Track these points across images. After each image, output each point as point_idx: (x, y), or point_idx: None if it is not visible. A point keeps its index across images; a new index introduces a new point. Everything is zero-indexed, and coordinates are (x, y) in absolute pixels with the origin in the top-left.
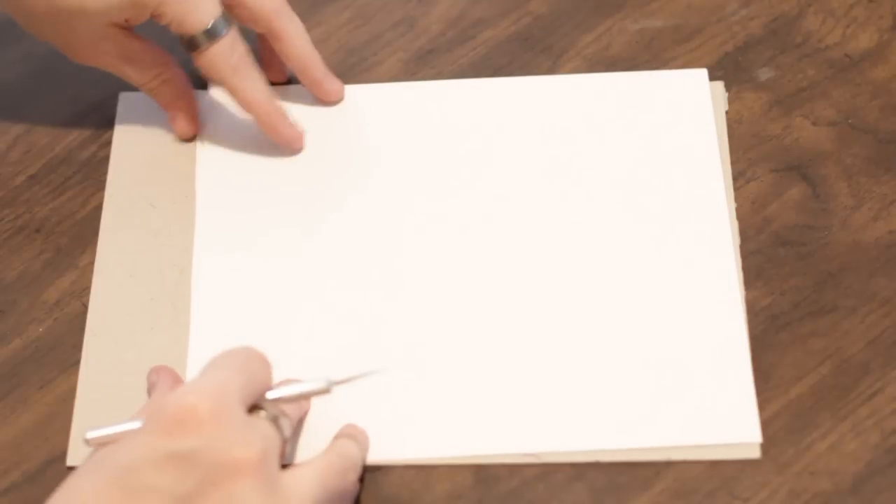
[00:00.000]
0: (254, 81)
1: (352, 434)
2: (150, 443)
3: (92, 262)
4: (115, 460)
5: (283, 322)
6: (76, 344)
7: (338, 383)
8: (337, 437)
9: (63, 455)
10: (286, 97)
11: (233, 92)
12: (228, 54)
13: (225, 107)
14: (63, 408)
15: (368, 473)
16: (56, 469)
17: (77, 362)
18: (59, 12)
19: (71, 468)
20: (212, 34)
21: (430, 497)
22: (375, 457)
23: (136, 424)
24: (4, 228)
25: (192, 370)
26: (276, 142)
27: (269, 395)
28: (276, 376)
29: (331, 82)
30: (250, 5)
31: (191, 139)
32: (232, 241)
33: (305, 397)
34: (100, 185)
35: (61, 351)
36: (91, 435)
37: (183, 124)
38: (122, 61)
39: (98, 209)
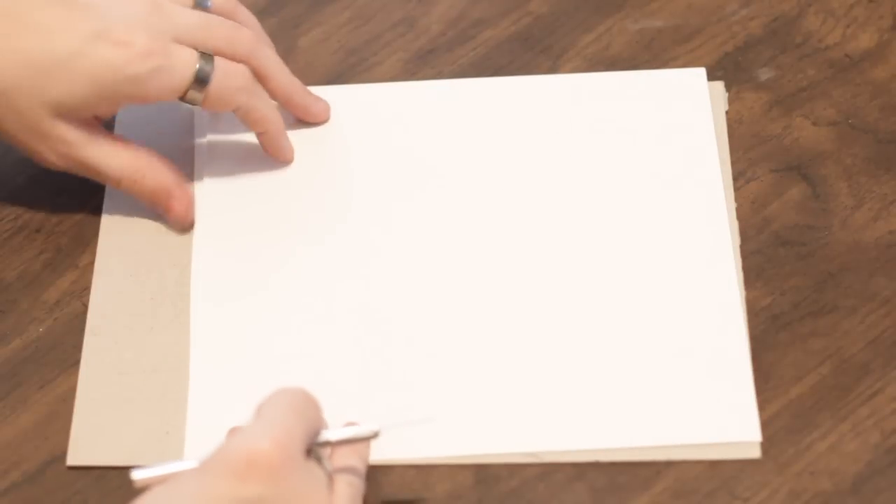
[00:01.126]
0: (261, 98)
1: (355, 452)
2: (216, 486)
3: (92, 262)
4: (176, 502)
5: (283, 322)
6: (76, 344)
7: (387, 428)
8: (340, 468)
9: (63, 455)
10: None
11: (246, 113)
12: (229, 82)
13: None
14: (63, 408)
15: (369, 473)
16: (56, 469)
17: (77, 362)
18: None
19: (72, 468)
20: (202, 79)
21: (431, 497)
22: (376, 457)
23: (188, 465)
24: (5, 228)
25: (192, 370)
26: (274, 156)
27: (322, 436)
28: (280, 375)
29: (315, 104)
30: (225, 51)
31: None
32: (232, 241)
33: (354, 441)
34: (100, 185)
35: (61, 351)
36: (138, 476)
37: (177, 214)
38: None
39: (98, 209)
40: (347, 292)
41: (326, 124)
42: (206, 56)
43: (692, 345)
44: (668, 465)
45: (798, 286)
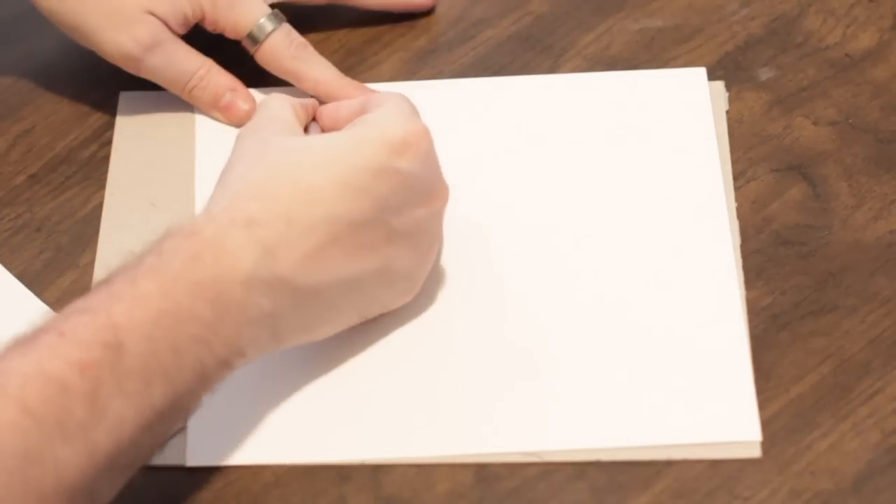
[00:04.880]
0: (317, 62)
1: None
2: (375, 155)
3: (92, 262)
4: (335, 156)
5: None
6: None
7: None
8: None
9: None
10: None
11: (299, 78)
12: (286, 45)
13: None
14: None
15: (369, 472)
16: None
17: None
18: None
19: None
20: (263, 30)
21: (431, 496)
22: (376, 455)
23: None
24: (5, 228)
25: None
26: None
27: None
28: (280, 366)
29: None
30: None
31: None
32: None
33: None
34: (100, 185)
35: None
36: None
37: (240, 106)
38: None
39: (98, 208)
40: None
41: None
42: (277, 14)
43: (692, 344)
44: (669, 464)
45: (798, 286)
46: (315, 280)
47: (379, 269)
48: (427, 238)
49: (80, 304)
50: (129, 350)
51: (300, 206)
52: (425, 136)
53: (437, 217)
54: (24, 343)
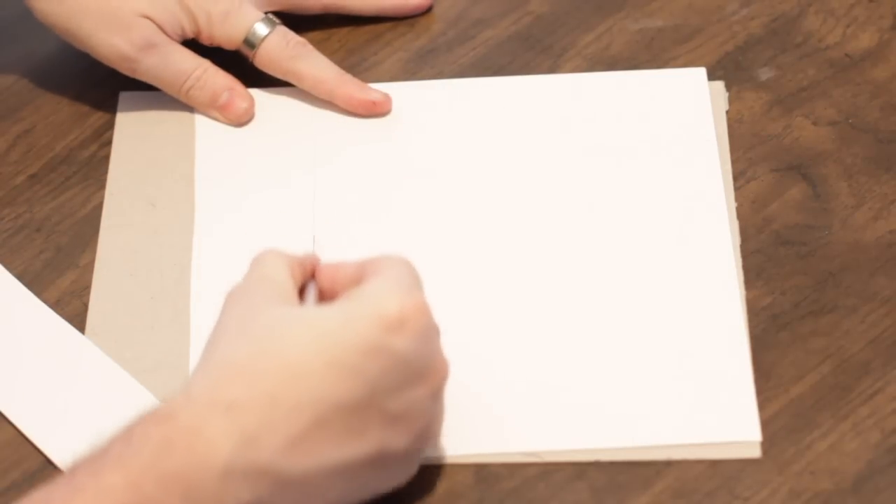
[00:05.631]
0: (316, 60)
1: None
2: (367, 334)
3: (92, 262)
4: (325, 332)
5: None
6: None
7: None
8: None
9: None
10: (277, 102)
11: (299, 78)
12: (282, 46)
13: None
14: None
15: None
16: (56, 469)
17: None
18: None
19: None
20: (258, 35)
21: (431, 496)
22: None
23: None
24: (5, 228)
25: (192, 369)
26: (362, 114)
27: None
28: None
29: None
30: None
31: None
32: (232, 241)
33: None
34: (100, 185)
35: None
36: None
37: (238, 105)
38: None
39: (98, 208)
40: None
41: (326, 124)
42: (271, 17)
43: (692, 344)
44: (669, 464)
45: (798, 286)
46: (300, 467)
47: (371, 453)
48: (424, 418)
49: (39, 496)
50: None
51: (285, 386)
52: (423, 311)
53: (436, 396)
54: None
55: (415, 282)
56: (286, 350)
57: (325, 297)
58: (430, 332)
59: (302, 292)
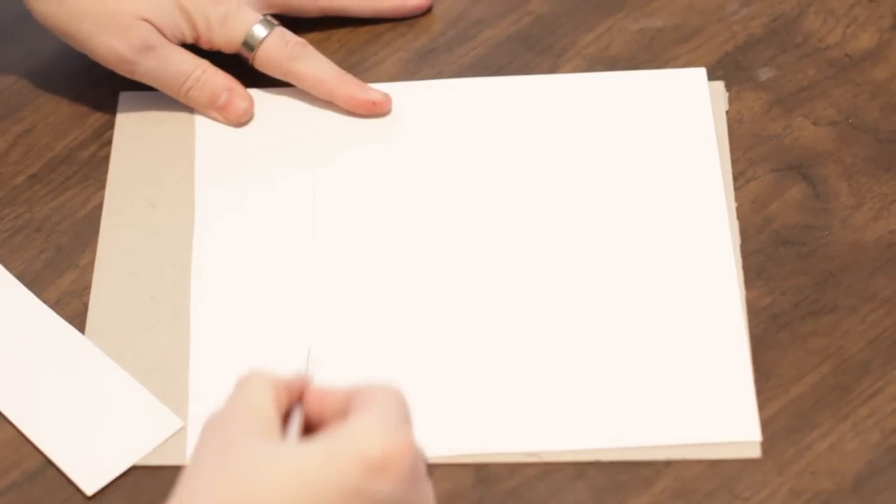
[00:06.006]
0: (316, 60)
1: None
2: (347, 477)
3: (92, 262)
4: (304, 471)
5: (283, 321)
6: None
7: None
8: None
9: None
10: (277, 102)
11: (299, 79)
12: (281, 47)
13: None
14: None
15: None
16: (56, 469)
17: None
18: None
19: None
20: (257, 37)
21: None
22: None
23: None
24: (5, 228)
25: (192, 370)
26: (362, 113)
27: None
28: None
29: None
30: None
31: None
32: (232, 240)
33: None
34: (100, 185)
35: None
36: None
37: (238, 105)
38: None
39: (98, 209)
40: (348, 294)
41: (326, 124)
42: (269, 19)
43: (692, 344)
44: (669, 464)
45: (798, 286)
46: None
47: None
48: None
49: None
50: None
51: None
52: (408, 452)
53: None
54: None
55: (402, 418)
56: (264, 492)
57: (311, 422)
58: (413, 475)
59: (288, 415)
